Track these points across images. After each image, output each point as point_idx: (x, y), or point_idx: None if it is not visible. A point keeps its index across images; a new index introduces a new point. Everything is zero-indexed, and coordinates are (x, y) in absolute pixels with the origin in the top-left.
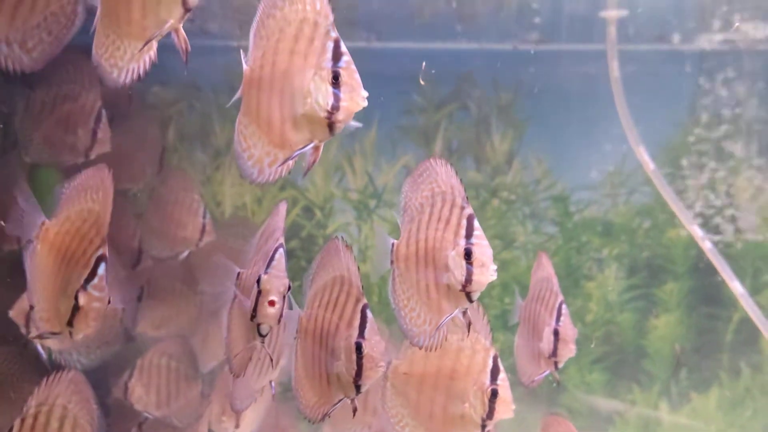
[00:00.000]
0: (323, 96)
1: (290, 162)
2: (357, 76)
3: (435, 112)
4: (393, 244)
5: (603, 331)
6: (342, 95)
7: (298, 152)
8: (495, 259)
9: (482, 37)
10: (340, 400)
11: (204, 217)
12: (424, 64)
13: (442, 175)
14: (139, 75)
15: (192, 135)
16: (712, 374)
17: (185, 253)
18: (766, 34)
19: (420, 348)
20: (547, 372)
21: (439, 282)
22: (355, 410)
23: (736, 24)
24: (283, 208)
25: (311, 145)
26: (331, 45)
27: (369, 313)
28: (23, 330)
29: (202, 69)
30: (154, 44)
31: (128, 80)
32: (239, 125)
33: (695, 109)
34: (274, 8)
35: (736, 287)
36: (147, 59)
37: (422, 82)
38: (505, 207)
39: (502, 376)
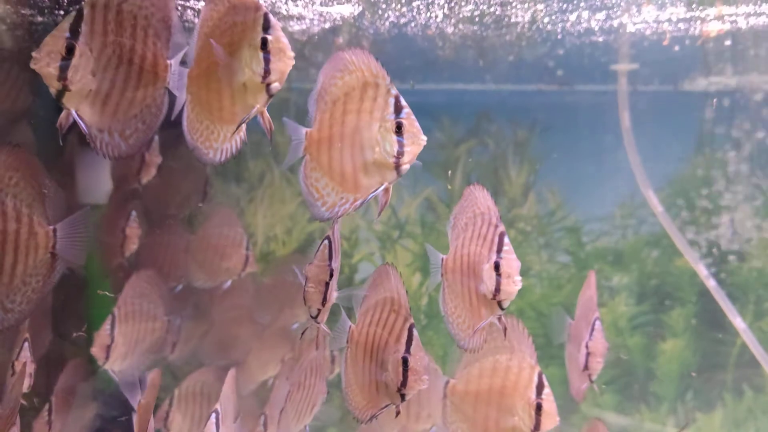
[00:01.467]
0: (390, 144)
1: (359, 204)
2: (417, 123)
3: (455, 147)
4: (442, 259)
5: (613, 354)
6: (405, 141)
7: (372, 194)
8: None
9: (500, 79)
10: (386, 406)
11: (247, 249)
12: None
13: (481, 199)
14: (233, 153)
15: (227, 171)
16: (716, 395)
17: (228, 283)
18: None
19: (464, 350)
20: (588, 385)
21: (478, 292)
22: (398, 414)
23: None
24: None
25: (382, 187)
26: (392, 101)
27: (415, 332)
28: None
29: None
30: (244, 126)
31: (223, 159)
32: (308, 179)
33: (701, 145)
34: (334, 78)
35: (739, 324)
36: (238, 139)
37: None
38: (521, 237)
39: (547, 391)
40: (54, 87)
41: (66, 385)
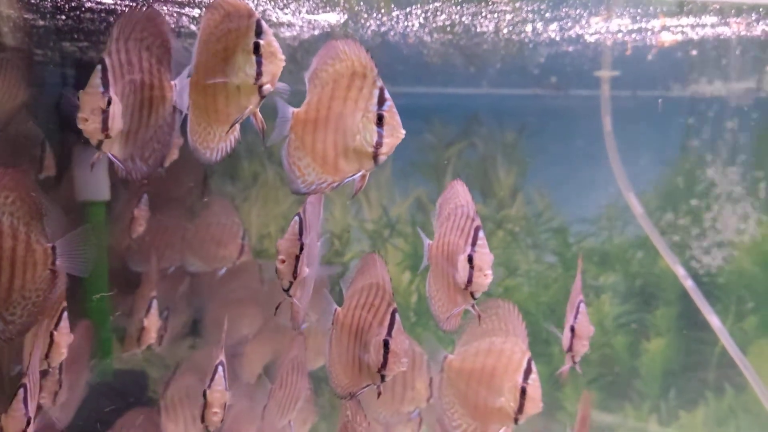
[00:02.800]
0: (370, 134)
1: (336, 185)
2: (397, 117)
3: (445, 149)
4: (429, 245)
5: (599, 353)
6: (384, 133)
7: (349, 179)
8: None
9: (489, 83)
10: (367, 385)
11: (243, 239)
12: None
13: (461, 193)
14: (227, 152)
15: (222, 170)
16: (698, 394)
17: (223, 270)
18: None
19: (443, 330)
20: (570, 366)
21: (454, 280)
22: (379, 394)
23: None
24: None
25: (359, 174)
26: (377, 92)
27: (397, 317)
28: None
29: None
30: (237, 126)
31: (219, 158)
32: (291, 157)
33: (684, 149)
34: (326, 64)
35: (714, 322)
36: (233, 138)
37: None
38: (509, 238)
39: (533, 376)
40: (97, 139)
41: (74, 345)
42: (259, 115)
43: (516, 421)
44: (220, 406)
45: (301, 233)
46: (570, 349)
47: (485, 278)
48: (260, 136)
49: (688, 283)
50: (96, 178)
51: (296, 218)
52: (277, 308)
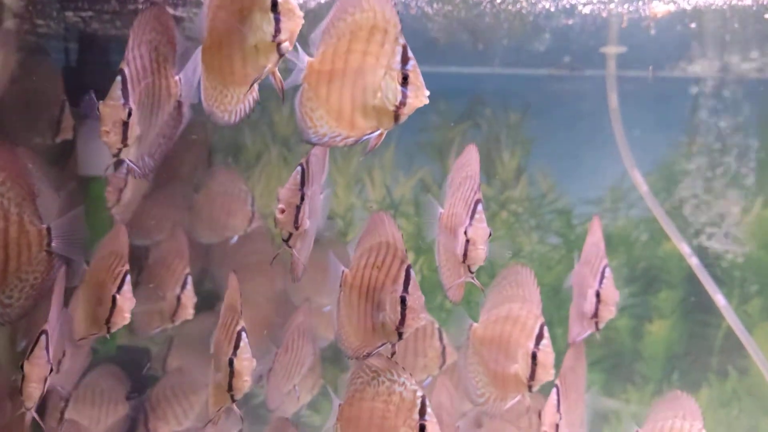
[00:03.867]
0: (393, 93)
1: (352, 142)
2: (421, 77)
3: (449, 129)
4: (440, 214)
5: (602, 335)
6: (409, 93)
7: (366, 137)
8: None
9: (494, 62)
10: (381, 345)
11: (252, 206)
12: None
13: (472, 162)
14: (246, 113)
15: (224, 149)
16: (701, 376)
17: (234, 239)
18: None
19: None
20: (589, 332)
21: (455, 252)
22: (393, 354)
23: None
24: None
25: (377, 132)
26: (400, 50)
27: (412, 273)
28: None
29: None
30: (256, 86)
31: (237, 119)
32: (304, 107)
33: (690, 131)
34: (345, 13)
35: (719, 300)
36: (251, 99)
37: None
38: (512, 219)
39: (545, 342)
40: (116, 149)
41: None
42: (278, 74)
43: (530, 388)
44: (249, 374)
45: (303, 183)
46: (595, 314)
47: (479, 252)
48: (280, 96)
49: (693, 261)
50: (97, 153)
51: (298, 168)
52: (273, 259)
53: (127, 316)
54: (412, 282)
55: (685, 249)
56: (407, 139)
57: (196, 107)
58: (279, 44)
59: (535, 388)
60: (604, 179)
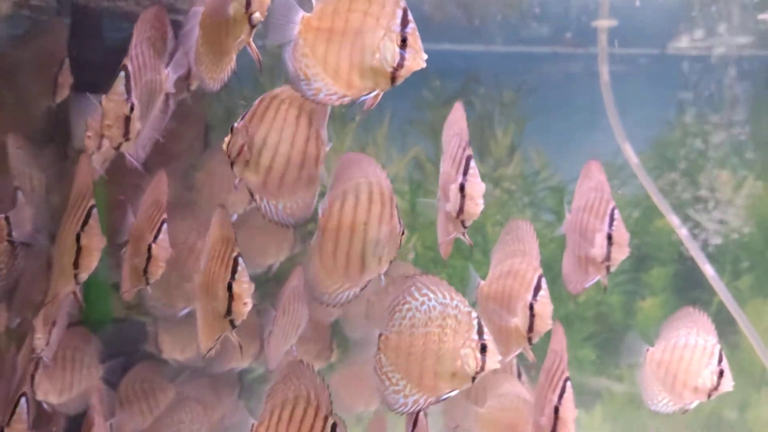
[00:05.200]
0: (391, 54)
1: (347, 101)
2: (420, 41)
3: (443, 107)
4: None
5: (594, 311)
6: (407, 56)
7: (364, 98)
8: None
9: (488, 40)
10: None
11: None
12: None
13: (459, 120)
14: (225, 82)
15: (222, 125)
16: None
17: (234, 217)
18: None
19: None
20: (597, 278)
21: (446, 209)
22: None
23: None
24: None
25: (373, 93)
26: (400, 12)
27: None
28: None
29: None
30: (234, 56)
31: (218, 87)
32: (299, 63)
33: (682, 109)
34: None
35: (708, 270)
36: (229, 69)
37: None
38: (506, 196)
39: (542, 293)
40: (117, 143)
41: None
42: (253, 45)
43: (530, 340)
44: (249, 297)
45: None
46: (607, 258)
47: (476, 206)
48: (258, 66)
49: (682, 232)
50: None
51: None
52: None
53: (163, 265)
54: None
55: (674, 220)
56: (401, 116)
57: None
58: (251, 15)
59: (534, 340)
60: (597, 157)
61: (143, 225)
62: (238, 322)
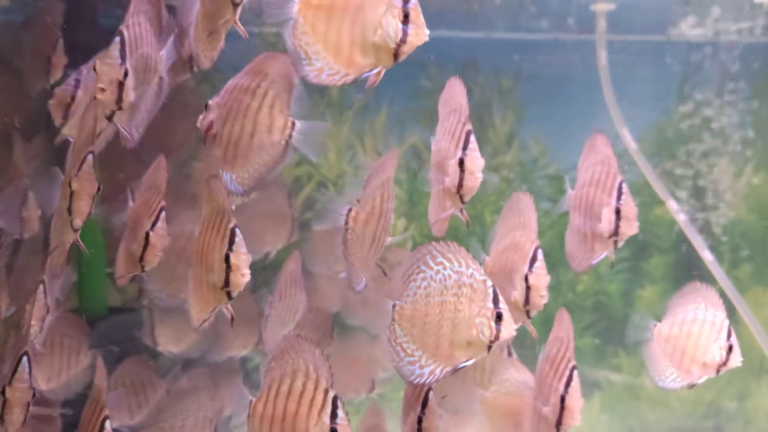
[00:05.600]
0: (393, 30)
1: (350, 80)
2: (422, 16)
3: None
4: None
5: (593, 299)
6: (409, 31)
7: (366, 74)
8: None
9: (486, 27)
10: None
11: None
12: None
13: (458, 95)
14: (214, 61)
15: None
16: None
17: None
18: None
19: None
20: (604, 255)
21: (444, 185)
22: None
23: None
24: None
25: (376, 70)
26: None
27: None
28: None
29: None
30: (222, 36)
31: (209, 65)
32: (299, 41)
33: (681, 96)
34: None
35: (706, 256)
36: (218, 48)
37: None
38: (504, 185)
39: (538, 264)
40: (110, 110)
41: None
42: (240, 25)
43: (528, 314)
44: (247, 268)
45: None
46: (615, 233)
47: (476, 180)
48: (245, 37)
49: (681, 217)
50: None
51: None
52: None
53: (160, 254)
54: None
55: (672, 205)
56: (398, 105)
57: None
58: None
59: (532, 314)
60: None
61: (141, 210)
62: (234, 294)
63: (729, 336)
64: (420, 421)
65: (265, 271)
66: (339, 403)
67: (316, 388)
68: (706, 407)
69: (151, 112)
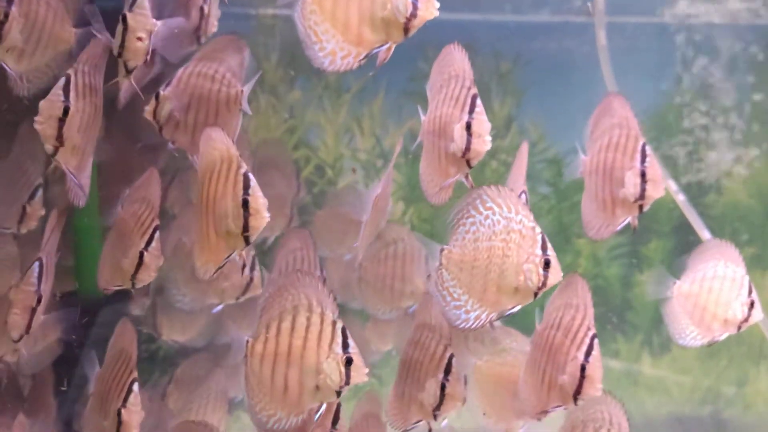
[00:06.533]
0: (403, 4)
1: (362, 58)
2: None
3: None
4: (424, 120)
5: (592, 284)
6: (419, 4)
7: (376, 50)
8: None
9: (485, 9)
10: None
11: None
12: None
13: (458, 60)
14: None
15: None
16: None
17: None
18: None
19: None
20: (626, 220)
21: (448, 151)
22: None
23: None
24: None
25: (386, 45)
26: None
27: None
28: None
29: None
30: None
31: None
32: (307, 21)
33: (679, 78)
34: None
35: (705, 236)
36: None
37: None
38: (503, 169)
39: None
40: (51, 145)
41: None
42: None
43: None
44: (266, 210)
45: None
46: (641, 196)
47: (484, 144)
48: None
49: (679, 198)
50: None
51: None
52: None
53: (154, 274)
54: None
55: (671, 186)
56: (396, 88)
57: None
58: None
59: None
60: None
61: (131, 224)
62: (253, 238)
63: (750, 292)
64: (443, 387)
65: (264, 257)
66: (348, 333)
67: (322, 321)
68: (704, 393)
69: (140, 81)
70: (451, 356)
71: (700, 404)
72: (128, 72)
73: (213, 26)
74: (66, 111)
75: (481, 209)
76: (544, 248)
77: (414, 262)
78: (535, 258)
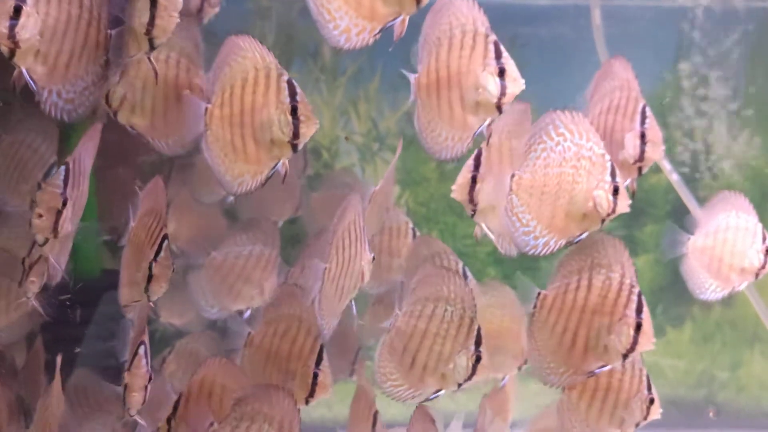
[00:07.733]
0: None
1: (377, 32)
2: None
3: None
4: (414, 79)
5: None
6: None
7: (390, 23)
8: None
9: None
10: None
11: None
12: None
13: (462, 9)
14: None
15: None
16: (686, 310)
17: (230, 198)
18: None
19: (440, 160)
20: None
21: (463, 101)
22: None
23: None
24: None
25: (400, 18)
26: None
27: None
28: None
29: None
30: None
31: None
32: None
33: (677, 61)
34: None
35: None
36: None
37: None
38: None
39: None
40: (44, 236)
41: None
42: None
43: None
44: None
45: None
46: (641, 158)
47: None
48: None
49: (674, 177)
50: None
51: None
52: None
53: (165, 285)
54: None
55: (665, 165)
56: (393, 71)
57: None
58: None
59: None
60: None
61: (142, 235)
62: (300, 146)
63: (764, 239)
64: (478, 359)
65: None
66: (324, 354)
67: (307, 334)
68: (698, 376)
69: None
70: (479, 328)
71: (695, 388)
72: (152, 49)
73: (216, 7)
74: (65, 203)
75: (553, 135)
76: (613, 175)
77: (401, 236)
78: (604, 184)
